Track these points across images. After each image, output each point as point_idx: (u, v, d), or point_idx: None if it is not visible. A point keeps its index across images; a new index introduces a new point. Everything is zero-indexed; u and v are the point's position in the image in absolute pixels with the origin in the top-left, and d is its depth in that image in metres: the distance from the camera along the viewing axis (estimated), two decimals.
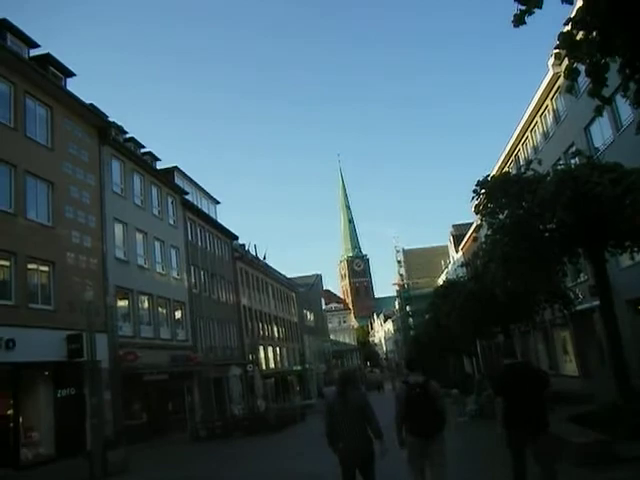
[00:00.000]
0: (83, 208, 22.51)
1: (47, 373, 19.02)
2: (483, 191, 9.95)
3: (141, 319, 26.20)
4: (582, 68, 4.61)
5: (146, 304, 27.06)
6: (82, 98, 23.49)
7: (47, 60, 22.66)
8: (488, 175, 10.07)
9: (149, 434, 22.95)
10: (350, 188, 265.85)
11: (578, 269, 10.30)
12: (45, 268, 19.63)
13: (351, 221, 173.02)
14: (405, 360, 9.86)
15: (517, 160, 30.43)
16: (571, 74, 4.46)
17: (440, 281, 51.95)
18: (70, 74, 24.05)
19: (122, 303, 24.88)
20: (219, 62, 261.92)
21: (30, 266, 18.83)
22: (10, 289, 17.79)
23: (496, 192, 9.66)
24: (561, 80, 23.83)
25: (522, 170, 10.18)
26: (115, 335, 21.99)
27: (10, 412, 17.11)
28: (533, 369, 6.94)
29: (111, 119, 27.06)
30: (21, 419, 17.51)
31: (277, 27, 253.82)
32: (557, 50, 4.49)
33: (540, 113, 26.92)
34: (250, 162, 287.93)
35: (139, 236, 27.36)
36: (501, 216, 9.90)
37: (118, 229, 25.37)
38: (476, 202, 10.21)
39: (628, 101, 4.63)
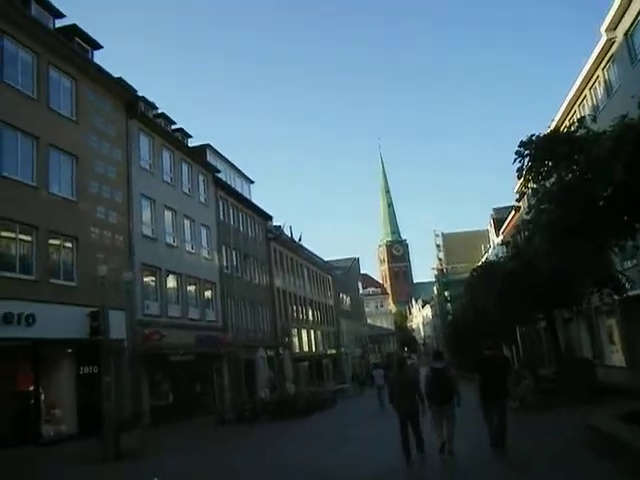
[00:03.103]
0: (109, 183, 21.99)
1: (70, 350, 18.68)
2: (527, 152, 8.70)
3: (169, 298, 25.72)
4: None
5: (174, 283, 26.55)
6: (113, 71, 23.12)
7: (73, 31, 22.11)
8: (533, 135, 8.78)
9: (175, 416, 22.46)
10: (390, 170, 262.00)
11: (635, 246, 8.92)
12: (68, 243, 19.21)
13: (390, 205, 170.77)
14: (433, 352, 13.70)
15: None
16: None
17: None
18: (97, 46, 23.47)
19: (149, 281, 24.41)
20: (261, 32, 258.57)
21: (52, 241, 18.44)
22: (31, 264, 17.43)
23: (542, 153, 8.38)
24: (615, 47, 22.03)
25: (573, 128, 8.85)
26: (134, 313, 21.44)
27: (31, 388, 16.81)
28: (500, 359, 10.57)
29: (143, 94, 26.61)
30: (43, 396, 17.28)
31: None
32: None
33: (590, 85, 25.07)
34: (289, 143, 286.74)
35: (168, 213, 26.78)
36: (548, 183, 8.63)
37: (146, 206, 24.85)
38: (519, 165, 8.95)
39: None
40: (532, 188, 9.14)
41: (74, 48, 21.24)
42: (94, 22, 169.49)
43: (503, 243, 23.34)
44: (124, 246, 22.29)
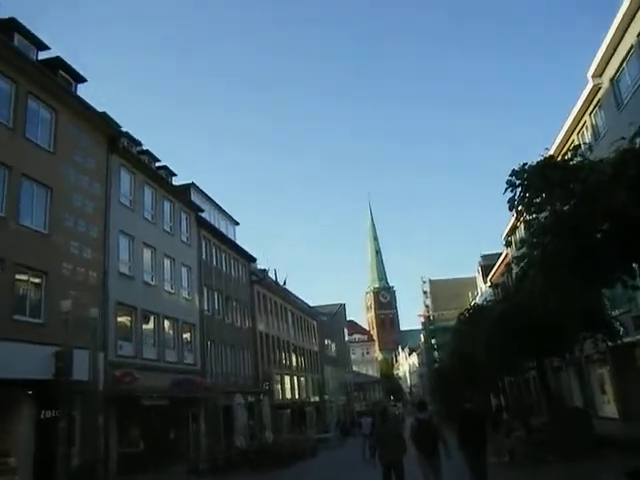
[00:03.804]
0: (85, 217, 21.23)
1: (30, 392, 17.43)
2: (519, 182, 8.10)
3: (145, 339, 24.61)
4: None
5: (151, 324, 25.48)
6: (100, 107, 22.64)
7: (57, 64, 21.76)
8: (525, 163, 8.22)
9: (146, 464, 21.05)
10: (377, 217, 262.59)
11: (635, 286, 8.26)
12: (37, 278, 18.26)
13: (378, 252, 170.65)
14: (417, 403, 13.06)
15: None
16: None
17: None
18: (81, 80, 23.12)
19: (124, 320, 23.35)
20: (252, 86, 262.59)
21: (19, 275, 17.49)
22: None
23: (535, 181, 7.80)
24: (601, 92, 22.01)
25: (569, 156, 8.29)
26: (106, 353, 20.31)
27: None
28: (479, 412, 11.81)
29: (128, 130, 26.26)
30: None
31: (317, 49, 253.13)
32: None
33: (577, 130, 25.01)
34: (278, 193, 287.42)
35: (147, 251, 25.93)
36: (541, 217, 8.01)
37: (124, 242, 24.01)
38: (510, 196, 8.33)
39: None
40: (525, 221, 8.53)
41: (55, 79, 20.81)
42: (85, 59, 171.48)
43: (492, 285, 22.69)
44: (98, 283, 21.36)
